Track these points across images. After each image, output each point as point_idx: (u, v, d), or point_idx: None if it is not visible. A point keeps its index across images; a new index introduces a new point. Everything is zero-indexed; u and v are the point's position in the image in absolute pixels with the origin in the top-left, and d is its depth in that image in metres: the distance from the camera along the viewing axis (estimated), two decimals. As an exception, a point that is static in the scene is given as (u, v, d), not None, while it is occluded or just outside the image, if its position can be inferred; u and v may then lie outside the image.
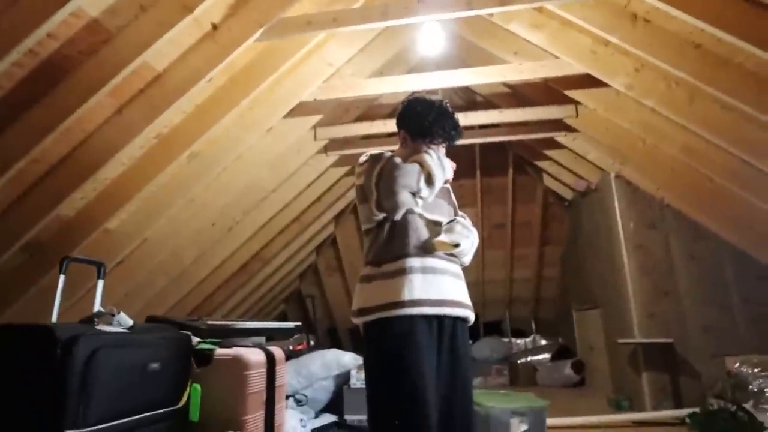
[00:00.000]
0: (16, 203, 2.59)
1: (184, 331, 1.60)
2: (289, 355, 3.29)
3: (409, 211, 1.56)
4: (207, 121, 3.06)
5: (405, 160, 1.61)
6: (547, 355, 6.66)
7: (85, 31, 2.18)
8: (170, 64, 2.64)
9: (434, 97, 1.78)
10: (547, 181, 6.18)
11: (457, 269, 1.65)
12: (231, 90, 3.06)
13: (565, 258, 6.81)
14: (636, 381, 4.29)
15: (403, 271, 1.49)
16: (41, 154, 2.45)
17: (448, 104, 1.74)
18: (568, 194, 6.03)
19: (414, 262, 1.50)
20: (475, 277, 7.28)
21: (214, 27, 2.63)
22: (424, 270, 1.50)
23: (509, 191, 6.52)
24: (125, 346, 1.26)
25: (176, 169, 3.25)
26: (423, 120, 1.67)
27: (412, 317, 1.43)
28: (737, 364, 3.75)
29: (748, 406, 3.38)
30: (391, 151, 1.69)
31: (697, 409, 3.52)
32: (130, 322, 1.50)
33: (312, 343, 4.43)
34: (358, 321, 1.53)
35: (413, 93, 1.78)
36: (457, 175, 6.20)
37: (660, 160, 4.05)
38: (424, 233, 1.56)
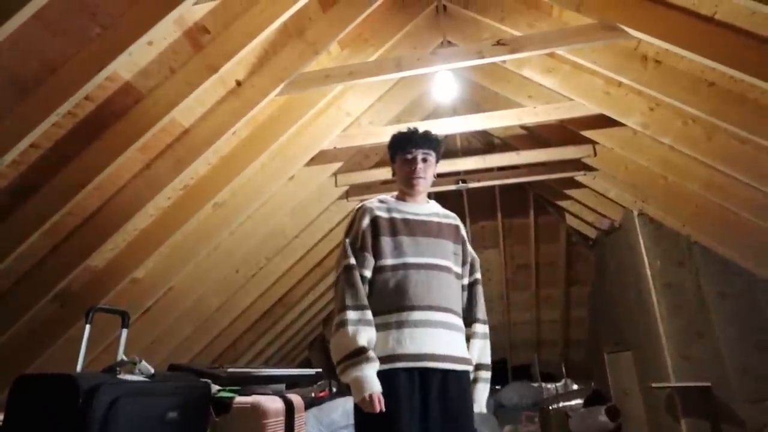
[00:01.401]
0: (50, 254, 2.70)
1: (204, 379, 1.61)
2: (311, 403, 3.26)
3: (377, 270, 1.61)
4: (231, 171, 3.18)
5: (398, 185, 1.82)
6: (579, 401, 6.37)
7: (119, 92, 2.34)
8: (197, 119, 2.79)
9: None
10: (570, 220, 6.12)
11: (453, 320, 1.63)
12: (254, 141, 3.19)
13: (592, 298, 6.64)
14: (675, 428, 4.06)
15: (383, 326, 1.54)
16: (75, 208, 2.58)
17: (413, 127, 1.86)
18: (591, 233, 5.95)
19: (390, 318, 1.55)
20: (501, 319, 7.14)
21: (238, 84, 2.78)
22: (401, 324, 1.53)
23: (531, 231, 6.47)
24: (145, 395, 1.29)
25: (202, 219, 3.36)
26: (391, 146, 1.83)
27: (389, 371, 1.47)
28: (784, 410, 3.54)
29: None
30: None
31: (742, 460, 3.31)
32: (152, 371, 1.53)
33: (334, 389, 4.37)
34: None
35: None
36: (478, 217, 6.24)
37: (683, 196, 3.99)
38: (402, 287, 1.58)
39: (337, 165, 4.15)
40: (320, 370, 2.76)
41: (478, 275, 1.84)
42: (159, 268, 3.38)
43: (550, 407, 6.40)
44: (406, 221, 1.71)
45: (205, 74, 2.44)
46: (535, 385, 6.98)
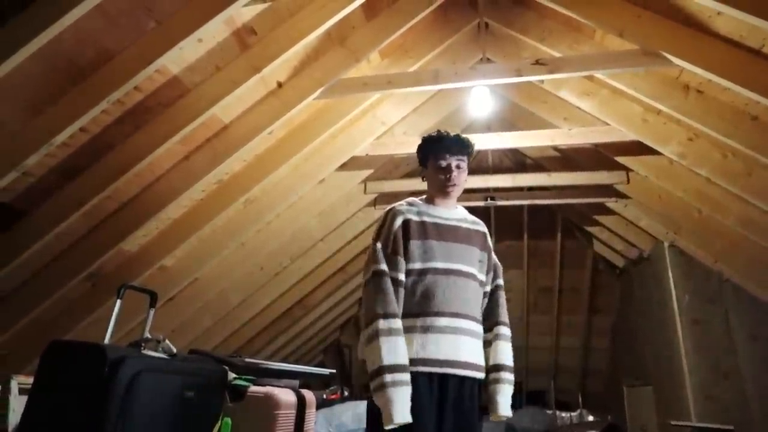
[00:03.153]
0: (86, 236, 2.82)
1: (223, 366, 1.66)
2: (322, 404, 3.28)
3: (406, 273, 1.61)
4: (265, 170, 3.26)
5: (429, 189, 1.80)
6: (594, 433, 6.21)
7: (166, 85, 2.44)
8: (236, 117, 2.87)
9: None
10: (597, 247, 6.01)
11: (475, 327, 1.64)
12: (289, 143, 3.27)
13: (615, 329, 6.47)
14: (693, 470, 3.92)
15: (408, 329, 1.54)
16: (114, 193, 2.69)
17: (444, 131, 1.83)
18: (619, 261, 5.83)
19: (416, 321, 1.56)
20: (519, 341, 7.00)
21: (279, 85, 2.86)
22: (426, 329, 1.54)
23: (557, 255, 6.37)
24: (166, 372, 1.33)
25: (232, 214, 3.45)
26: (422, 149, 1.82)
27: (412, 374, 1.46)
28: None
29: None
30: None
31: None
32: (174, 350, 1.59)
33: (346, 393, 4.38)
34: None
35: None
36: (504, 236, 6.19)
37: (717, 231, 3.88)
38: (429, 292, 1.59)
39: (367, 172, 4.20)
40: (334, 371, 2.77)
41: (500, 281, 1.82)
42: (187, 258, 3.48)
43: (563, 437, 6.25)
44: (436, 225, 1.69)
45: (249, 74, 2.52)
46: (549, 412, 6.82)
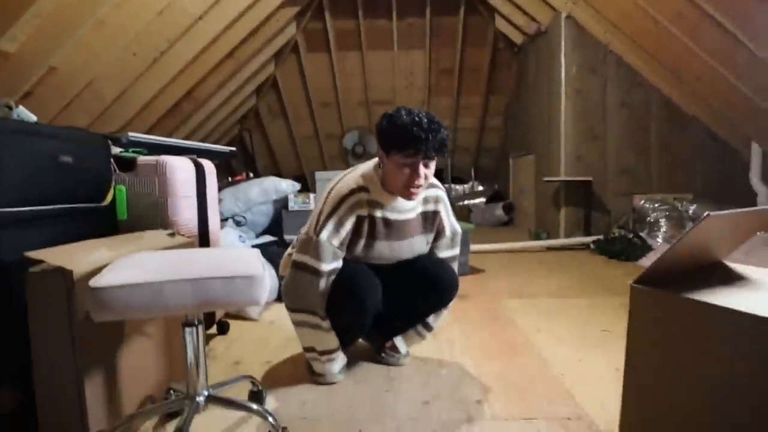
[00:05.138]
0: None
1: (101, 136, 1.52)
2: (228, 185, 3.31)
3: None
4: None
5: (386, 180, 1.50)
6: (482, 199, 7.09)
7: None
8: None
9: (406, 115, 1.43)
10: (499, 23, 5.90)
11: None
12: None
13: (509, 108, 6.86)
14: (555, 216, 4.70)
15: None
16: None
17: (419, 117, 1.41)
18: (518, 38, 5.84)
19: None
20: (420, 124, 7.26)
21: None
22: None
23: (459, 33, 6.22)
24: (27, 134, 1.19)
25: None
26: (385, 135, 1.45)
27: None
28: (642, 201, 4.14)
29: (643, 234, 3.82)
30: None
31: (601, 237, 3.96)
32: (34, 118, 1.40)
33: (251, 175, 4.44)
34: None
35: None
36: (406, 11, 5.81)
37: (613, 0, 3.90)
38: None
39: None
40: (234, 149, 2.70)
41: (446, 252, 1.71)
42: (32, 40, 2.90)
43: (456, 204, 7.08)
44: (386, 222, 1.54)
45: None
46: (446, 186, 7.57)
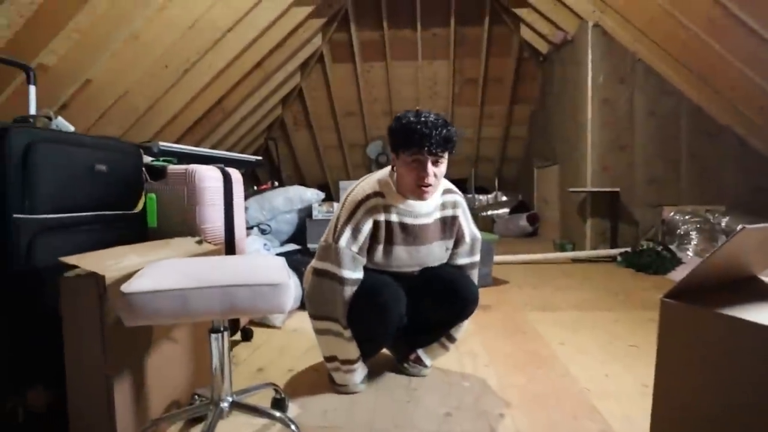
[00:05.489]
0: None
1: (134, 145, 1.58)
2: (253, 194, 3.36)
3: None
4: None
5: (399, 183, 1.52)
6: (506, 210, 7.02)
7: None
8: None
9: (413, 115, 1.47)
10: (524, 32, 5.88)
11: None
12: None
13: (533, 117, 6.80)
14: (581, 227, 4.62)
15: None
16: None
17: (426, 117, 1.44)
18: (543, 48, 5.80)
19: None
20: (444, 134, 7.25)
21: None
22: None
23: (484, 43, 6.21)
24: (66, 144, 1.24)
25: (112, -2, 2.91)
26: (394, 135, 1.49)
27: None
28: (672, 213, 4.04)
29: (673, 247, 3.72)
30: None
31: (628, 249, 3.86)
32: (72, 128, 1.46)
33: (276, 184, 4.51)
34: None
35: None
36: (431, 22, 5.83)
37: (641, 6, 3.84)
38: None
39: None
40: (260, 158, 2.75)
41: (466, 259, 1.69)
42: (71, 55, 3.02)
43: (480, 214, 7.03)
44: (403, 227, 1.54)
45: None
46: (469, 196, 7.52)
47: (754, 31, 3.18)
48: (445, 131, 1.42)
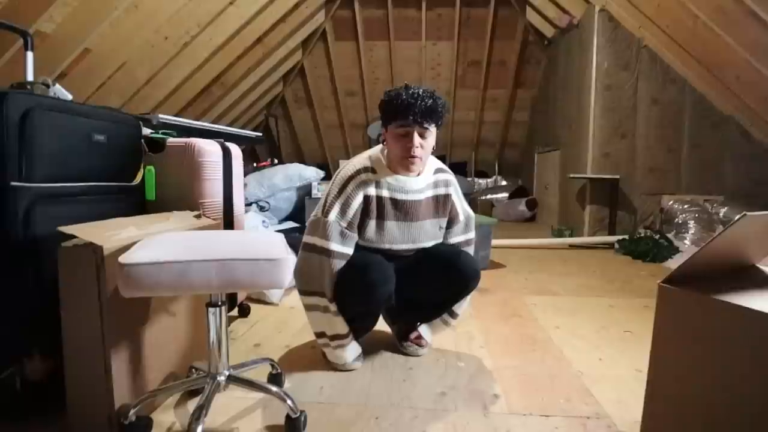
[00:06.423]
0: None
1: (132, 117, 1.55)
2: (253, 170, 3.34)
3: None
4: None
5: (389, 157, 1.54)
6: (505, 194, 7.01)
7: None
8: None
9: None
10: (530, 15, 5.79)
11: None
12: None
13: (536, 102, 6.75)
14: (579, 213, 4.62)
15: None
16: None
17: (414, 91, 1.46)
18: (549, 32, 5.72)
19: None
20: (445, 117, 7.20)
21: None
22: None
23: (489, 25, 6.12)
24: (64, 111, 1.22)
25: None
26: (383, 110, 1.52)
27: None
28: (671, 202, 4.04)
29: (670, 235, 3.73)
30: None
31: (626, 236, 3.87)
32: (69, 96, 1.44)
33: (276, 161, 4.49)
34: None
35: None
36: (436, 2, 5.73)
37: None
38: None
39: None
40: (260, 134, 2.73)
41: (461, 236, 1.69)
42: (69, 22, 2.97)
43: (479, 198, 7.02)
44: (395, 202, 1.55)
45: None
46: (469, 179, 7.50)
47: (763, 21, 3.13)
48: (430, 101, 1.45)
